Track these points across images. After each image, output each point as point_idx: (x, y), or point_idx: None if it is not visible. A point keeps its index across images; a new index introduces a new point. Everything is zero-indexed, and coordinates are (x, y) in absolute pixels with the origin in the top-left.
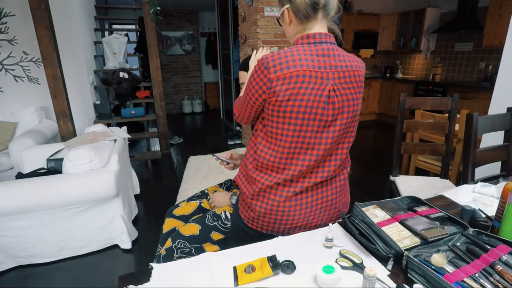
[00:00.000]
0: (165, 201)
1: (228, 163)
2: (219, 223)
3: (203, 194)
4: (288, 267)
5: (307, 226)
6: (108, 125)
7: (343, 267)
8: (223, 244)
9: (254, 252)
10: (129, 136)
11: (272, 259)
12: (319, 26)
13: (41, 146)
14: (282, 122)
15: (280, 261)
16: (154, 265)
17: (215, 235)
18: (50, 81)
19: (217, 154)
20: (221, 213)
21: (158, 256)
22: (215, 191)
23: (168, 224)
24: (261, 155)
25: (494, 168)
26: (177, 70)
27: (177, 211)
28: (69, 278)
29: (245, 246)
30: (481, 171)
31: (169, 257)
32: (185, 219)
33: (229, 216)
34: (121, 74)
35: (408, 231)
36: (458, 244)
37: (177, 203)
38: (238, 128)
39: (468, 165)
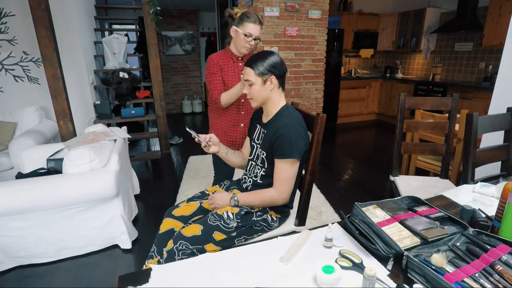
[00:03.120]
0: (165, 201)
1: (203, 144)
2: (222, 223)
3: (204, 195)
4: None
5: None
6: (108, 125)
7: (343, 267)
8: (225, 245)
9: (254, 252)
10: (129, 136)
11: None
12: None
13: (41, 146)
14: None
15: None
16: (153, 265)
17: (217, 235)
18: (50, 81)
19: (193, 131)
20: (223, 213)
21: (151, 255)
22: (214, 192)
23: (166, 224)
24: None
25: (494, 168)
26: (177, 70)
27: (176, 212)
28: (69, 278)
29: (245, 247)
30: (481, 171)
31: (171, 259)
32: (184, 220)
33: (231, 216)
34: (121, 74)
35: (408, 231)
36: (458, 244)
37: (177, 203)
38: None
39: (468, 165)
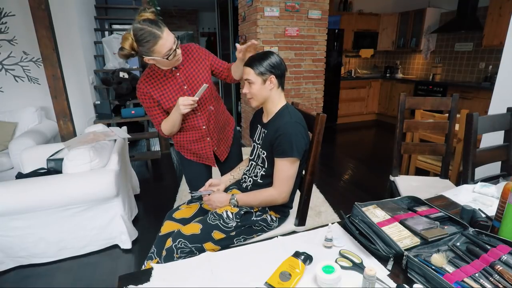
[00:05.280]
0: (165, 201)
1: (209, 193)
2: (221, 222)
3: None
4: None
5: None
6: (108, 125)
7: (343, 267)
8: (224, 244)
9: (254, 251)
10: (129, 136)
11: (297, 254)
12: None
13: (41, 146)
14: None
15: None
16: (154, 265)
17: (216, 234)
18: (50, 81)
19: (195, 192)
20: (222, 212)
21: (150, 256)
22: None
23: (167, 226)
24: None
25: (494, 168)
26: None
27: (177, 214)
28: (69, 278)
29: (245, 246)
30: (481, 171)
31: (169, 257)
32: (185, 222)
33: (231, 216)
34: (121, 74)
35: (408, 231)
36: (458, 244)
37: (177, 206)
38: (238, 128)
39: (468, 165)
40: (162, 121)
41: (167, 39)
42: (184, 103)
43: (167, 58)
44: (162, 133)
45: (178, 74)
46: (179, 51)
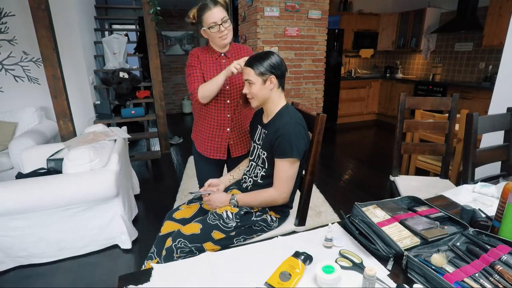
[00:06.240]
0: (165, 201)
1: (209, 193)
2: (221, 222)
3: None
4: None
5: None
6: (108, 125)
7: (343, 267)
8: (224, 244)
9: (255, 251)
10: (129, 136)
11: (297, 254)
12: None
13: (41, 146)
14: None
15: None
16: (154, 265)
17: (216, 234)
18: (50, 81)
19: (195, 192)
20: (222, 212)
21: (150, 256)
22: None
23: (167, 226)
24: None
25: (494, 168)
26: (177, 70)
27: (177, 214)
28: (69, 278)
29: (245, 246)
30: (481, 171)
31: (169, 256)
32: (185, 222)
33: (230, 216)
34: (121, 74)
35: (408, 231)
36: (458, 244)
37: (177, 206)
38: None
39: (468, 165)
40: (199, 82)
41: (215, 12)
42: (235, 64)
43: (209, 29)
44: (195, 94)
45: (223, 61)
46: (224, 27)
